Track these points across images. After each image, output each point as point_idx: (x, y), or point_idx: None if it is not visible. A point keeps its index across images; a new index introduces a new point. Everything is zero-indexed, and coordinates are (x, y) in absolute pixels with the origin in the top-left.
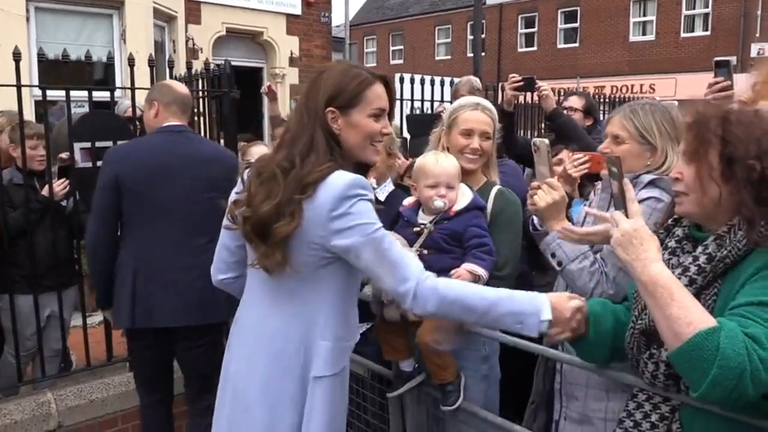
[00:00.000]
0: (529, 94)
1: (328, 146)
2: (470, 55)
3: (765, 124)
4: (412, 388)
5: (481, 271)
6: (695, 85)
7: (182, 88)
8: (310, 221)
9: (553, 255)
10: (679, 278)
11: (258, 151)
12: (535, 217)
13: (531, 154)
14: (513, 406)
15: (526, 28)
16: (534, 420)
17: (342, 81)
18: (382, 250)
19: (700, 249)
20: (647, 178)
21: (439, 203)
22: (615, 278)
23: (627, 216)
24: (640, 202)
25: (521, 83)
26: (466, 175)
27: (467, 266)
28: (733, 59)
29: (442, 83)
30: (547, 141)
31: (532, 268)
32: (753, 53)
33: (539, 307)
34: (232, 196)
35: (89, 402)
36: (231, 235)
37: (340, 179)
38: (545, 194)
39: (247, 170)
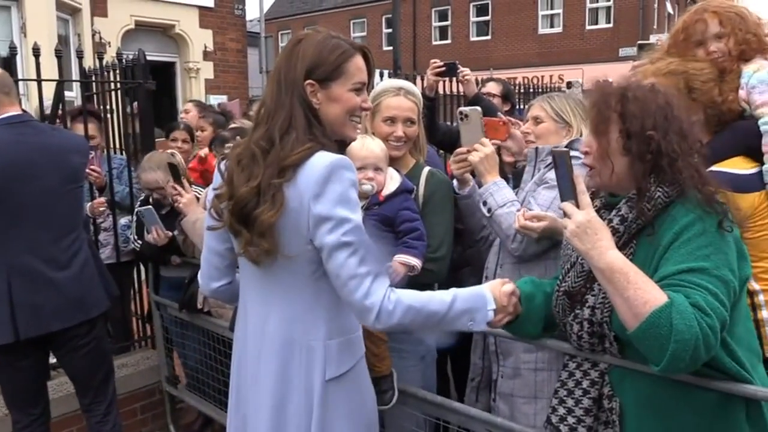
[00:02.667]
0: (449, 83)
1: (307, 122)
2: (386, 48)
3: (659, 99)
4: None
5: (415, 261)
6: (600, 75)
7: None
8: (295, 207)
9: (485, 203)
10: None
11: (148, 180)
12: (455, 181)
13: (452, 141)
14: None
15: (439, 21)
16: (476, 399)
17: (321, 52)
18: (358, 255)
19: (613, 212)
20: (565, 142)
21: (367, 187)
22: None
23: (578, 207)
24: None
25: (443, 68)
26: (394, 159)
27: (399, 258)
28: (634, 49)
29: None
30: (479, 109)
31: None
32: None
33: (485, 299)
34: (210, 193)
35: None
36: (218, 238)
37: (322, 160)
38: (478, 152)
39: (224, 161)
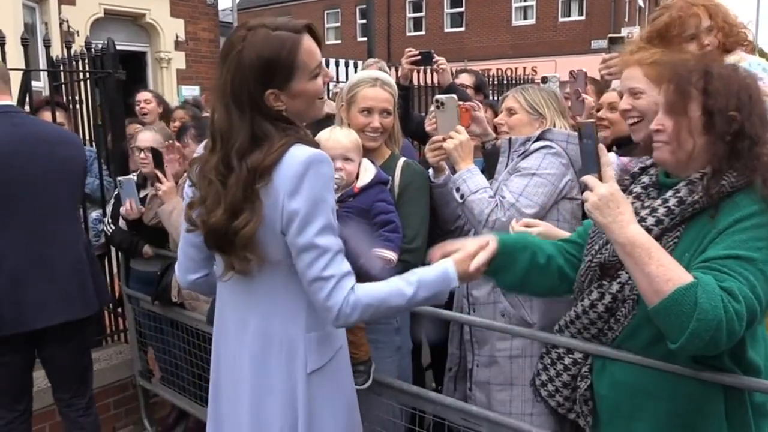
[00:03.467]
0: (423, 74)
1: (280, 130)
2: (360, 39)
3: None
4: None
5: (391, 255)
6: (573, 66)
7: None
8: (269, 204)
9: (458, 189)
10: (646, 218)
11: (144, 137)
12: (430, 170)
13: (425, 132)
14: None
15: (413, 12)
16: (454, 388)
17: (269, 55)
18: (326, 257)
19: (670, 192)
20: (537, 132)
21: (335, 178)
22: (514, 204)
23: (601, 180)
24: (534, 152)
25: (418, 57)
26: (369, 150)
27: (376, 252)
28: (604, 42)
29: (337, 63)
30: (455, 96)
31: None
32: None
33: (449, 281)
34: (187, 192)
35: None
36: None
37: (299, 155)
38: (453, 139)
39: (194, 166)
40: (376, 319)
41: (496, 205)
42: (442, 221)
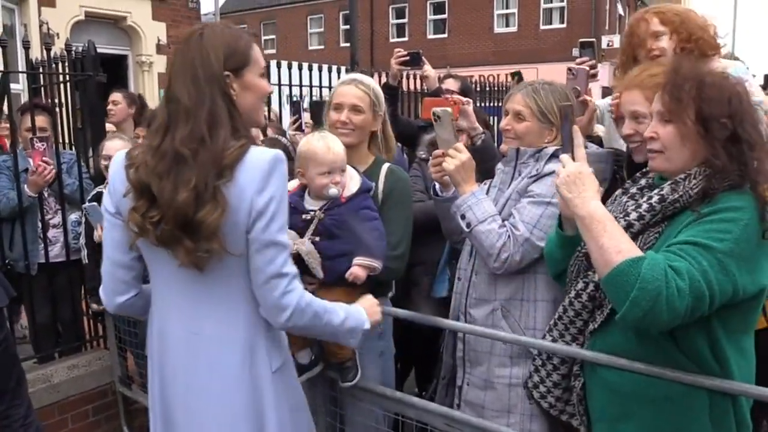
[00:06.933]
0: (409, 82)
1: (230, 116)
2: (343, 45)
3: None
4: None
5: (376, 263)
6: (555, 74)
7: None
8: (234, 204)
9: (463, 217)
10: (630, 213)
11: (113, 145)
12: (437, 183)
13: (412, 134)
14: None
15: (397, 18)
16: (446, 394)
17: (231, 41)
18: (285, 255)
19: (656, 191)
20: (550, 150)
21: (333, 191)
22: (528, 239)
23: (573, 159)
24: (547, 175)
25: (407, 58)
26: (346, 147)
27: (360, 260)
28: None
29: (320, 69)
30: (449, 110)
31: None
32: (603, 45)
33: (363, 321)
34: (118, 202)
35: None
36: (122, 249)
37: (263, 156)
38: (453, 158)
39: (131, 170)
40: (311, 333)
41: (508, 237)
42: (447, 234)
